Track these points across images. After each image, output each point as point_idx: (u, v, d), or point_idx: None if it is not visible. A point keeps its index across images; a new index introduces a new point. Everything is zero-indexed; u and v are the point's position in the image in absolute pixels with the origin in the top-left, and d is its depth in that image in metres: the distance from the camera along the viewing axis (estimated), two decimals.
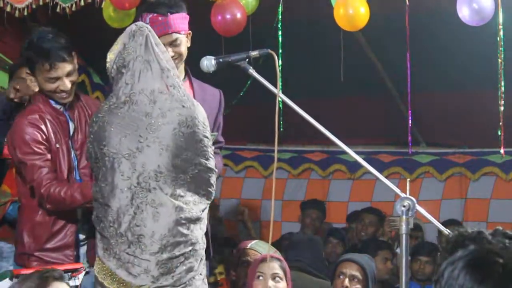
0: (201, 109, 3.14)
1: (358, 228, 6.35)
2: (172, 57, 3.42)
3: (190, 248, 3.08)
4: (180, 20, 3.49)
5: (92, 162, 3.20)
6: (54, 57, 3.54)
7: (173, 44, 3.48)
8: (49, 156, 3.59)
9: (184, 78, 3.70)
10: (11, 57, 5.25)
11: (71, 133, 3.70)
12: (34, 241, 3.66)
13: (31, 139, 3.57)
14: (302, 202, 6.72)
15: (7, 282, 3.16)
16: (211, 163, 3.14)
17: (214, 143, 3.58)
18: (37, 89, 4.03)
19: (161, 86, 3.08)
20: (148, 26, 3.21)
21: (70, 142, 3.68)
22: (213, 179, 3.16)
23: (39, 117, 3.62)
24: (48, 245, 3.65)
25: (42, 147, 3.58)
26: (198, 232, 3.13)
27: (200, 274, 3.15)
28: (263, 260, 3.65)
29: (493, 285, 1.55)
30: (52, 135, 3.61)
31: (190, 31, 3.56)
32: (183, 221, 3.05)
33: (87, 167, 3.66)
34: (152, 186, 3.03)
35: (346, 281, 4.05)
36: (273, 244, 4.32)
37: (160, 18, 3.43)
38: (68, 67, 3.60)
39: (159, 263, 3.02)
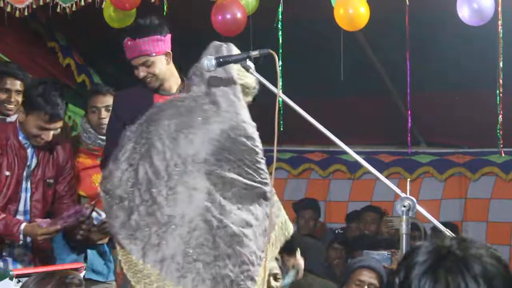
0: (251, 124, 3.19)
1: (360, 227, 6.34)
2: (145, 77, 3.69)
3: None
4: (149, 43, 3.65)
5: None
6: (57, 113, 3.88)
7: (144, 65, 3.67)
8: None
9: (179, 89, 3.74)
10: (11, 57, 5.25)
11: (32, 167, 3.99)
12: None
13: None
14: (293, 203, 6.56)
15: (7, 282, 3.16)
16: (255, 178, 3.30)
17: None
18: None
19: (224, 92, 3.17)
20: (230, 44, 3.29)
21: (24, 175, 3.97)
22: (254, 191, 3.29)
23: (1, 145, 3.94)
24: None
25: None
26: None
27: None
28: None
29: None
30: (6, 164, 3.93)
31: (168, 51, 3.71)
32: (213, 208, 3.05)
33: (40, 201, 3.99)
34: (189, 169, 3.05)
35: None
36: None
37: (129, 43, 3.64)
38: (60, 125, 3.98)
39: (185, 250, 2.99)
